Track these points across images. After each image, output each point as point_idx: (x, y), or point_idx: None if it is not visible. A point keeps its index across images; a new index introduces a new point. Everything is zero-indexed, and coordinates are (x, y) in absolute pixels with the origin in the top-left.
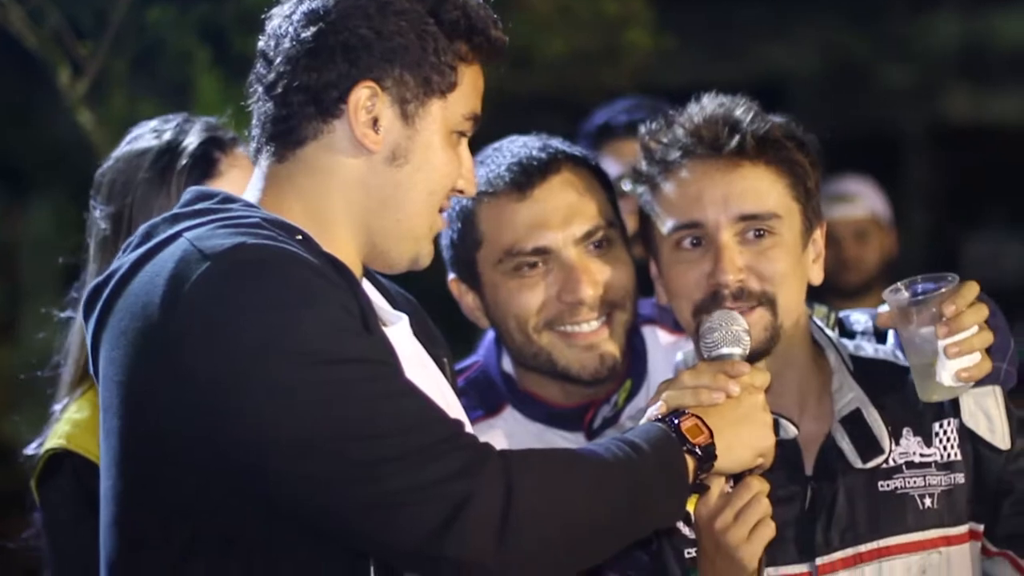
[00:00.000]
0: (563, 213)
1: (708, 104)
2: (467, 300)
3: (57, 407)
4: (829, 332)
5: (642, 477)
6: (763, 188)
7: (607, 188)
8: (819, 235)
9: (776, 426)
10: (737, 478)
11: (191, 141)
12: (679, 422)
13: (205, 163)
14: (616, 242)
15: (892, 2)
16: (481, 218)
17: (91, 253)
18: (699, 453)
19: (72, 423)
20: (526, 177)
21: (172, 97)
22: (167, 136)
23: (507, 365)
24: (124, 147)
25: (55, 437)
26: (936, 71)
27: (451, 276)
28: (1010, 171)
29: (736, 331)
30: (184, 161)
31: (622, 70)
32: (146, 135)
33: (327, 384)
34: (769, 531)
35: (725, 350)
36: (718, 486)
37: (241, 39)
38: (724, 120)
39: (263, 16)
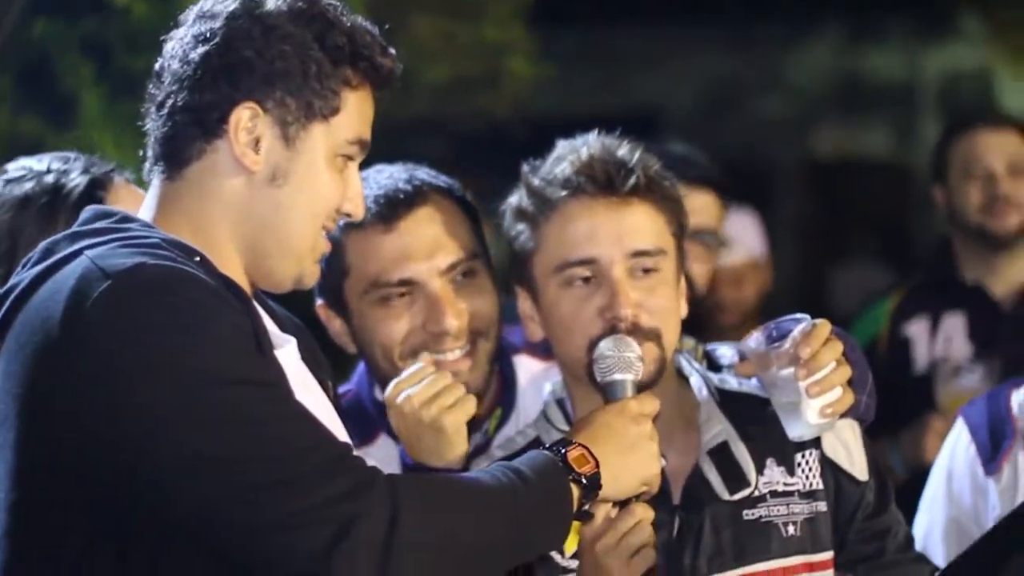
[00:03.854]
0: (428, 245)
1: (593, 142)
2: (334, 326)
3: None
4: (696, 365)
5: (527, 505)
6: (651, 225)
7: (473, 219)
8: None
9: None
10: (623, 504)
11: (75, 184)
12: (566, 451)
13: (90, 204)
14: (481, 272)
15: (767, 35)
16: (348, 249)
17: None
18: (584, 482)
19: None
20: (392, 209)
21: (56, 114)
22: (48, 180)
23: (379, 394)
24: (4, 191)
25: None
26: (808, 104)
27: (319, 302)
28: (878, 204)
29: (629, 357)
30: (70, 204)
31: (502, 97)
32: (25, 180)
33: (222, 404)
34: (649, 557)
35: (618, 376)
36: (603, 510)
37: (125, 56)
38: (613, 159)
39: (162, 38)
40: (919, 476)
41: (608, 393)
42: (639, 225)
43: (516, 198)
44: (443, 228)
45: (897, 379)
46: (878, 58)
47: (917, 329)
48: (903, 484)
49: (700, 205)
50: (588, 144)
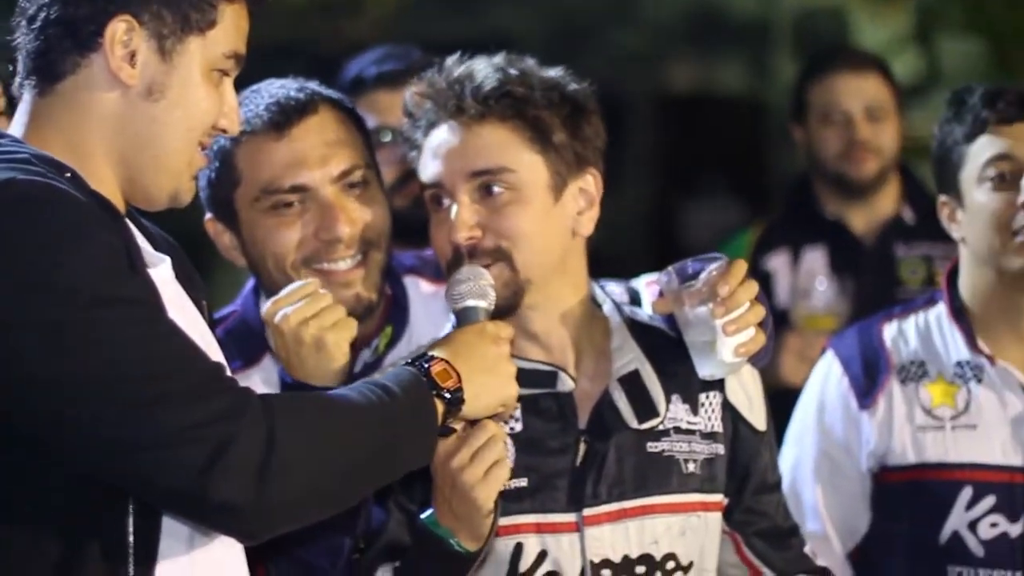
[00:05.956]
0: (320, 152)
1: (452, 64)
2: (224, 240)
3: None
4: (610, 292)
5: (395, 420)
6: (496, 144)
7: (364, 132)
8: (589, 183)
9: (554, 378)
10: (474, 423)
11: None
12: (429, 366)
13: None
14: (373, 184)
15: None
16: (239, 157)
17: None
18: (448, 397)
19: None
20: (284, 117)
21: None
22: None
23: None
24: None
25: None
26: (663, 37)
27: (208, 216)
28: (732, 139)
29: (483, 285)
30: None
31: (363, 22)
32: None
33: (93, 324)
34: (504, 472)
35: (471, 302)
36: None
37: None
38: (460, 81)
39: None
40: (774, 395)
41: (461, 320)
42: (481, 145)
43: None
44: (335, 136)
45: None
46: None
47: (778, 262)
48: None
49: None
50: (447, 67)
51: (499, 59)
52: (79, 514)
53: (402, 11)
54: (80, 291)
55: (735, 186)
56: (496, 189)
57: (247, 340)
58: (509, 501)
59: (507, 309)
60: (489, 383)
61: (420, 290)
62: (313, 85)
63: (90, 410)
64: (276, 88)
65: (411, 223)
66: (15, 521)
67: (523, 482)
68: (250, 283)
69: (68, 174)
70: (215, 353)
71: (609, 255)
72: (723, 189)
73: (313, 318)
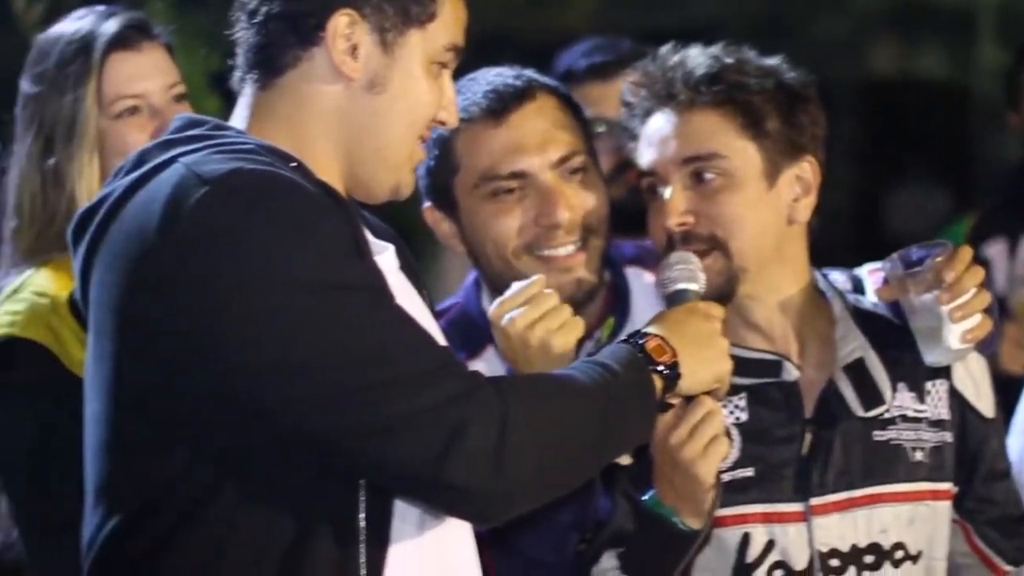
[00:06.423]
0: (539, 138)
1: (666, 52)
2: (443, 228)
3: (6, 277)
4: (835, 280)
5: (619, 397)
6: (708, 130)
7: (581, 119)
8: (806, 171)
9: (779, 367)
10: (689, 400)
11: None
12: (644, 342)
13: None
14: (591, 170)
15: None
16: (457, 144)
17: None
18: (665, 372)
19: (12, 313)
20: (502, 103)
21: None
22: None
23: (487, 304)
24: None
25: None
26: (865, 24)
27: (426, 204)
28: (935, 127)
29: (692, 269)
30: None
31: (570, 13)
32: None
33: (326, 308)
34: (723, 447)
35: (681, 285)
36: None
37: None
38: (675, 68)
39: None
40: (994, 384)
41: (672, 303)
42: (691, 131)
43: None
44: (553, 122)
45: None
46: None
47: (995, 251)
48: None
49: None
50: (660, 55)
51: (715, 48)
52: (310, 497)
53: (607, 2)
54: (310, 277)
55: (939, 174)
56: (707, 175)
57: (470, 332)
58: (735, 491)
59: (723, 297)
60: (704, 358)
61: (642, 280)
62: (530, 72)
63: (325, 395)
64: (493, 76)
65: (629, 212)
66: (246, 504)
67: (749, 472)
68: (471, 275)
69: (294, 164)
70: (441, 341)
71: (815, 243)
72: (927, 177)
73: (539, 321)
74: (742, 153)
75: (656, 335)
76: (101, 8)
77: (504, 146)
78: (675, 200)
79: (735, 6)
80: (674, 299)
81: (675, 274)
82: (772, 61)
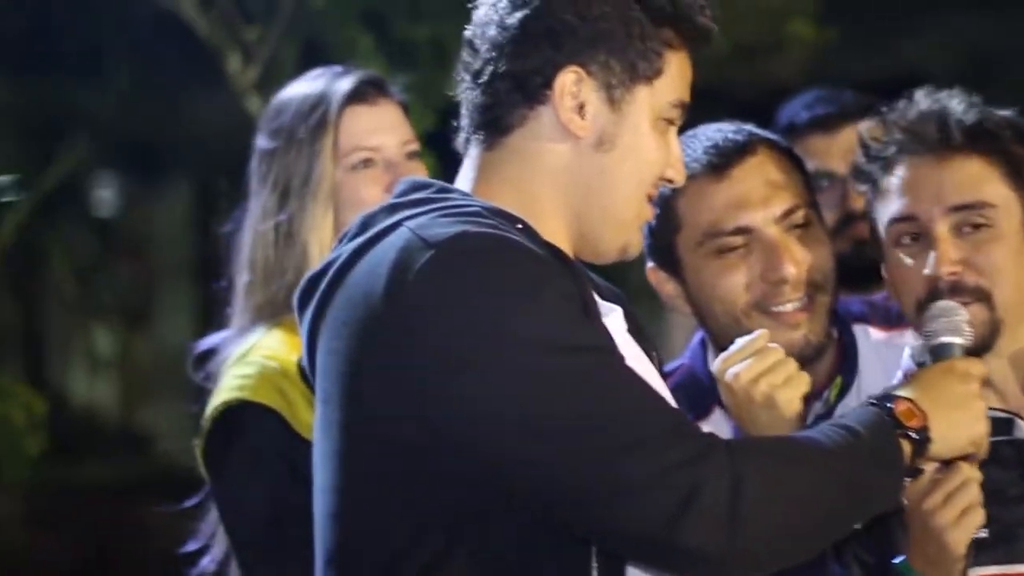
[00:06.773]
0: (762, 192)
1: (921, 99)
2: (667, 288)
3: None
4: None
5: (861, 463)
6: (976, 179)
7: (803, 172)
8: None
9: (1011, 425)
10: (946, 464)
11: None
12: (892, 406)
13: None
14: (815, 224)
15: None
16: (679, 202)
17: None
18: (914, 437)
19: (243, 376)
20: (723, 159)
21: None
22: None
23: (713, 364)
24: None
25: (227, 391)
26: None
27: (649, 265)
28: None
29: (957, 321)
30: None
31: (782, 64)
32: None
33: (559, 371)
34: (978, 518)
35: (946, 339)
36: (929, 472)
37: (404, 26)
38: (935, 115)
39: (470, 5)
40: None
41: (935, 356)
42: (961, 179)
43: (857, 158)
44: (776, 176)
45: None
46: None
47: None
48: None
49: None
50: (916, 101)
51: (960, 95)
52: (542, 563)
53: (818, 52)
54: (542, 339)
55: None
56: (977, 224)
57: (697, 393)
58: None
59: (981, 350)
60: (957, 421)
61: (870, 338)
62: (750, 127)
63: (560, 458)
64: (713, 131)
65: (854, 267)
66: (477, 569)
67: (984, 533)
68: (697, 335)
69: (520, 225)
70: (673, 403)
71: None
72: None
73: (764, 375)
74: (1006, 202)
75: (906, 398)
76: (337, 68)
77: (727, 202)
78: (947, 248)
79: (944, 53)
80: (937, 352)
81: (939, 326)
82: (1005, 112)
